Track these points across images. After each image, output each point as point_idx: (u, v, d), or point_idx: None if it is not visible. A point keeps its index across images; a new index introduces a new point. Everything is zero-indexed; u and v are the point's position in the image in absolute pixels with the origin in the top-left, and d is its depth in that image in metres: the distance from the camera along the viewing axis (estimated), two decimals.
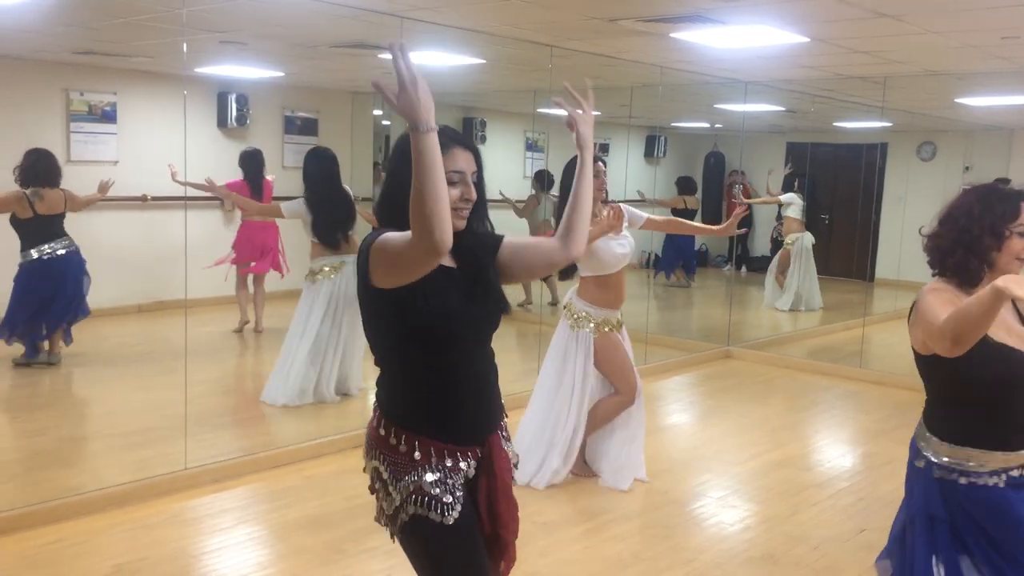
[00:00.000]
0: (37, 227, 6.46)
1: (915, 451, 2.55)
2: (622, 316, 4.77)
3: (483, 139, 10.85)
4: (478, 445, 2.19)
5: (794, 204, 10.63)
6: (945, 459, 2.43)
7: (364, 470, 2.23)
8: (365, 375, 6.12)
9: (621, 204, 4.69)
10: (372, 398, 2.28)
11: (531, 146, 11.66)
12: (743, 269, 13.71)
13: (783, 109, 10.63)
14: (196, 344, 5.83)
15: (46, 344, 6.77)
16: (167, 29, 5.98)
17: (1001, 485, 2.38)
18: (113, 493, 4.29)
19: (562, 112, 2.30)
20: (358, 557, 3.81)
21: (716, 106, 10.51)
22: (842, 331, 9.41)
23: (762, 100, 9.57)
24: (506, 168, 11.30)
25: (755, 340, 8.95)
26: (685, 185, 12.05)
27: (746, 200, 10.97)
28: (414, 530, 2.12)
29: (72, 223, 6.75)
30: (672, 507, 4.54)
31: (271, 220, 7.82)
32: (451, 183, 2.06)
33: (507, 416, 2.33)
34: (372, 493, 2.22)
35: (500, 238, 2.26)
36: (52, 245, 6.53)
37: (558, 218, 4.42)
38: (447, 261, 2.09)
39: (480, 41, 6.17)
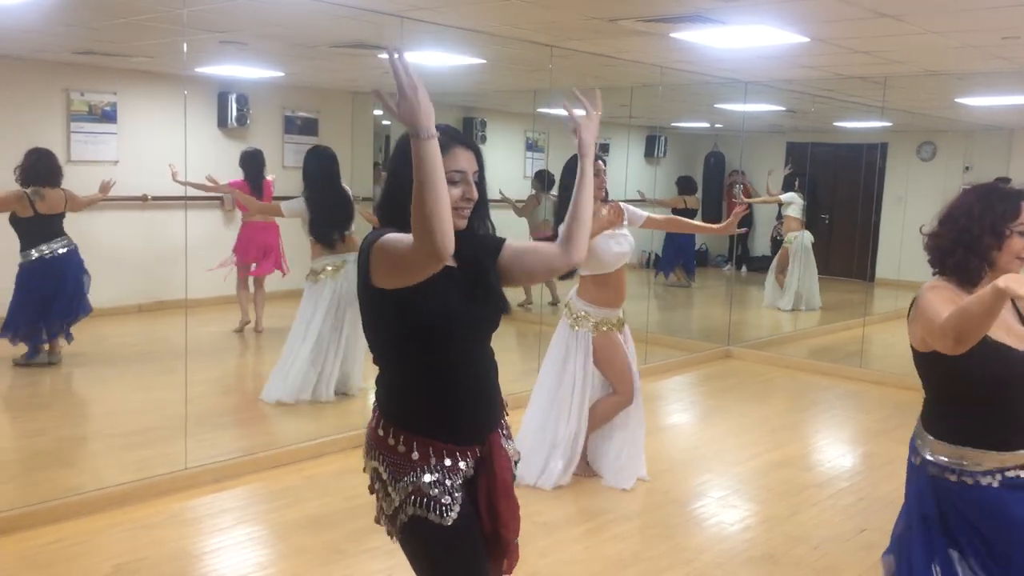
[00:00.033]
0: (37, 226, 6.46)
1: (913, 450, 2.55)
2: (624, 315, 4.77)
3: (483, 139, 10.86)
4: (478, 444, 2.19)
5: (794, 203, 10.64)
6: (942, 458, 2.43)
7: (364, 470, 2.24)
8: (365, 375, 6.12)
9: (620, 203, 4.68)
10: (372, 398, 2.28)
11: (531, 146, 11.67)
12: (743, 269, 13.71)
13: (783, 109, 10.63)
14: (196, 344, 5.83)
15: (47, 344, 6.77)
16: (167, 29, 5.98)
17: (995, 485, 2.38)
18: (113, 493, 4.29)
19: (562, 112, 2.31)
20: (358, 557, 3.81)
21: (716, 106, 10.50)
22: (842, 331, 9.41)
23: (762, 100, 9.57)
24: (506, 168, 11.31)
25: (755, 340, 8.95)
26: (685, 185, 12.05)
27: (747, 199, 10.98)
28: (413, 531, 2.12)
29: (72, 223, 6.75)
30: (673, 507, 4.54)
31: (272, 220, 7.83)
32: (453, 182, 2.06)
33: (507, 413, 2.33)
34: (372, 493, 2.22)
35: (502, 241, 2.27)
36: (52, 245, 6.53)
37: (557, 218, 4.45)
38: (448, 261, 2.09)
39: (480, 41, 6.17)
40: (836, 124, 12.02)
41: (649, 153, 13.22)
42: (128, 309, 8.84)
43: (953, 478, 2.41)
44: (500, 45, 6.27)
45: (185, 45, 6.09)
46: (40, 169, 6.41)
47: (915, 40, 5.52)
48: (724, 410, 6.50)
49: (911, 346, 2.48)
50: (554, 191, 9.19)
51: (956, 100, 8.81)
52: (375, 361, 2.21)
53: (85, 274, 6.75)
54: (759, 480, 5.00)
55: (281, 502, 4.43)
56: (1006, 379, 2.36)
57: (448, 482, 2.11)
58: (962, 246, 2.41)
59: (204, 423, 5.25)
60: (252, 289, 8.21)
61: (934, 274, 2.51)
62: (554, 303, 9.55)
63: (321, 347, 5.89)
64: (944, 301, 2.30)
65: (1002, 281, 1.96)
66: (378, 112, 10.62)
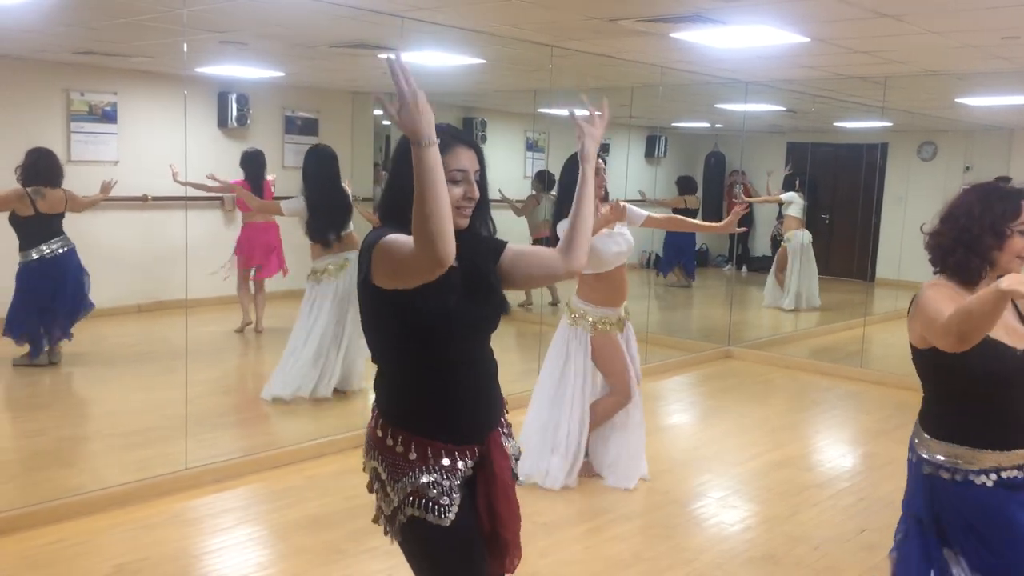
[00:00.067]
0: (37, 226, 6.46)
1: (911, 448, 2.56)
2: (626, 314, 4.76)
3: (483, 139, 10.86)
4: (477, 444, 2.19)
5: (795, 203, 10.64)
6: (938, 456, 2.44)
7: (364, 470, 2.24)
8: (366, 374, 6.12)
9: (622, 201, 4.68)
10: (372, 398, 2.28)
11: (531, 146, 11.67)
12: (743, 269, 13.71)
13: (783, 109, 10.63)
14: (196, 344, 5.83)
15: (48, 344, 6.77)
16: (167, 29, 5.98)
17: (990, 484, 2.37)
18: (114, 493, 4.29)
19: (563, 112, 2.31)
20: (358, 557, 3.81)
21: (716, 106, 10.50)
22: (843, 331, 9.41)
23: (762, 100, 9.57)
24: (506, 168, 11.31)
25: (755, 340, 8.94)
26: (686, 185, 12.05)
27: (747, 199, 10.98)
28: (412, 531, 2.13)
29: (72, 223, 6.75)
30: (673, 507, 4.54)
31: (272, 220, 7.83)
32: (454, 181, 2.07)
33: (507, 411, 2.33)
34: (371, 492, 2.22)
35: (503, 244, 2.27)
36: (51, 244, 6.53)
37: (556, 217, 4.45)
38: (448, 267, 2.10)
39: (480, 41, 6.17)
40: (836, 124, 12.01)
41: (649, 153, 13.22)
42: (128, 309, 8.83)
43: (947, 476, 2.41)
44: (500, 45, 6.27)
45: (185, 45, 6.09)
46: (41, 168, 6.41)
47: (915, 40, 5.52)
48: (724, 410, 6.50)
49: (910, 343, 2.48)
50: (554, 191, 9.20)
51: (956, 100, 8.81)
52: (374, 361, 2.21)
53: (84, 273, 6.75)
54: (759, 480, 5.00)
55: (282, 502, 4.43)
56: (1004, 378, 2.36)
57: (447, 482, 2.11)
58: (962, 245, 2.41)
59: (204, 423, 5.25)
60: (253, 289, 8.21)
61: (935, 273, 2.51)
62: (554, 303, 9.56)
63: (323, 347, 5.89)
64: (945, 299, 2.31)
65: (1005, 282, 1.96)
66: (378, 112, 10.61)
